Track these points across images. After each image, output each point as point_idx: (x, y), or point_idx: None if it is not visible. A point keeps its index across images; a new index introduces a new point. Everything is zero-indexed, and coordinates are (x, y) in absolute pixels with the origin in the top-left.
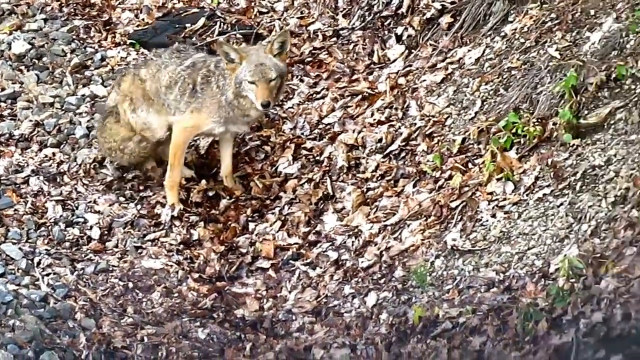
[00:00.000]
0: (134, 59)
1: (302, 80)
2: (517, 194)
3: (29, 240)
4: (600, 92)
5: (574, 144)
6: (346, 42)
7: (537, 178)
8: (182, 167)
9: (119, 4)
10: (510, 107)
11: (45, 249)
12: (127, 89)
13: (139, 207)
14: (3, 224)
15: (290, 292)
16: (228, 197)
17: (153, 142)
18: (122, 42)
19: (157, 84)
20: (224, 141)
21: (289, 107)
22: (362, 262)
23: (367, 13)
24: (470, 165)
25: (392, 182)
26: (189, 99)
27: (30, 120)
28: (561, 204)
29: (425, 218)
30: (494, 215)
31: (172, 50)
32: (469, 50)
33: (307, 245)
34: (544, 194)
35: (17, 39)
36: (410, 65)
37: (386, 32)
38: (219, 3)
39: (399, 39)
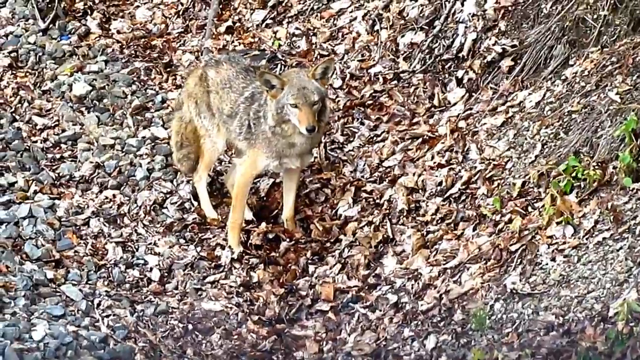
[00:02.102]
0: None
1: (362, 123)
2: (577, 238)
3: (89, 282)
4: None
5: (634, 188)
6: (407, 85)
7: (596, 222)
8: (244, 209)
9: (180, 46)
10: (571, 151)
11: (105, 291)
12: (193, 88)
13: (198, 249)
14: (63, 265)
15: (349, 334)
16: (288, 240)
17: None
18: (182, 84)
19: (220, 105)
20: (288, 184)
21: (349, 150)
22: (421, 305)
23: (427, 56)
24: (530, 208)
25: (452, 225)
26: (247, 135)
27: (91, 162)
28: (621, 248)
29: (484, 261)
30: (553, 259)
31: (243, 67)
32: (529, 94)
33: (366, 288)
34: (604, 238)
35: (78, 81)
36: (471, 109)
37: (447, 75)
38: (279, 45)
39: (459, 82)
